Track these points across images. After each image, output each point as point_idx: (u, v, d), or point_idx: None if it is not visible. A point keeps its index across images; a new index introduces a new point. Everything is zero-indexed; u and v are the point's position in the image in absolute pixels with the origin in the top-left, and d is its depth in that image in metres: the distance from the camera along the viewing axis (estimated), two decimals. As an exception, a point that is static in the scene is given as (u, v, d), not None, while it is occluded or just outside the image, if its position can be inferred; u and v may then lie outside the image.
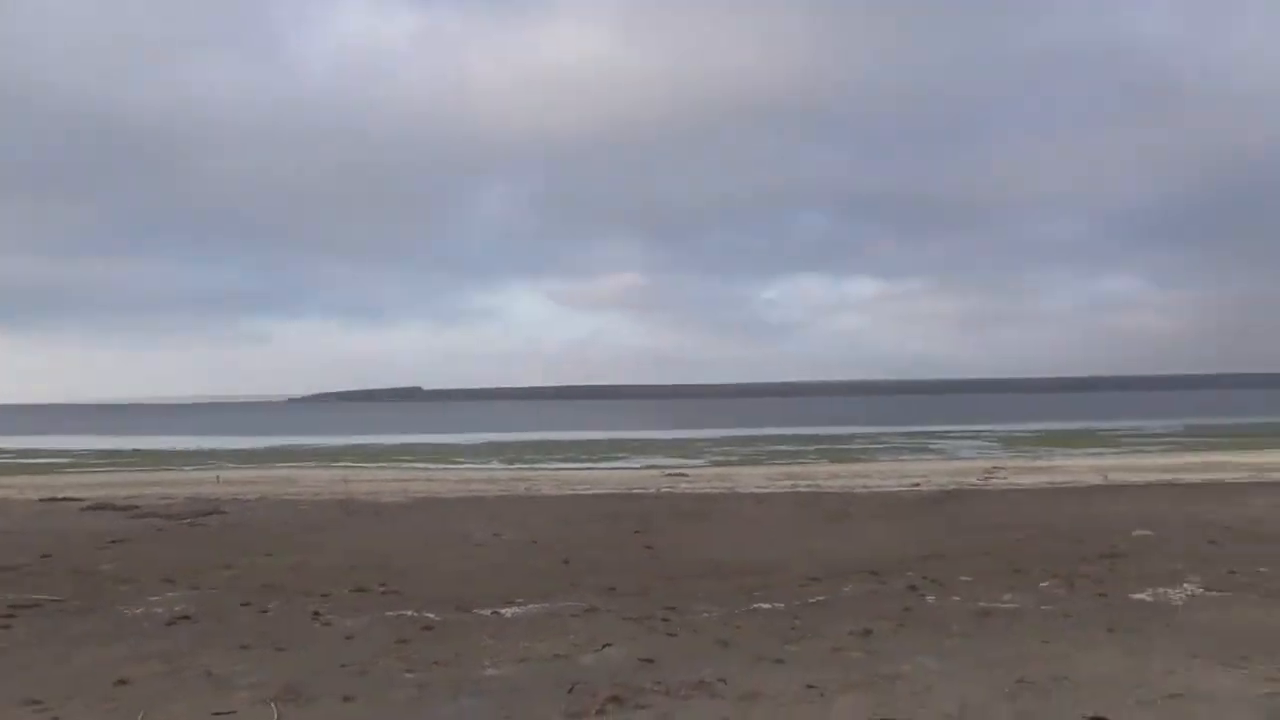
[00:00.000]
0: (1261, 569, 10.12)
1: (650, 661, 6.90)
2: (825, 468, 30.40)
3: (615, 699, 5.96)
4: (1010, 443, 47.38)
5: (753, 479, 25.04)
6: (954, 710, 5.66)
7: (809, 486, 22.13)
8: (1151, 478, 22.51)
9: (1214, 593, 9.04)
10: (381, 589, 10.00)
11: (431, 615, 8.63)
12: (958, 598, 9.06)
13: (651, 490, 21.89)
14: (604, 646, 7.37)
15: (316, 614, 8.76)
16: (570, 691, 6.13)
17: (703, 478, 26.52)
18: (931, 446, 46.44)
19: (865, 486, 21.73)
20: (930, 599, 9.07)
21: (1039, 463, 30.59)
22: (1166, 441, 45.77)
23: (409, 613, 8.77)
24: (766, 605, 8.93)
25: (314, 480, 26.77)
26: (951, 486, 21.10)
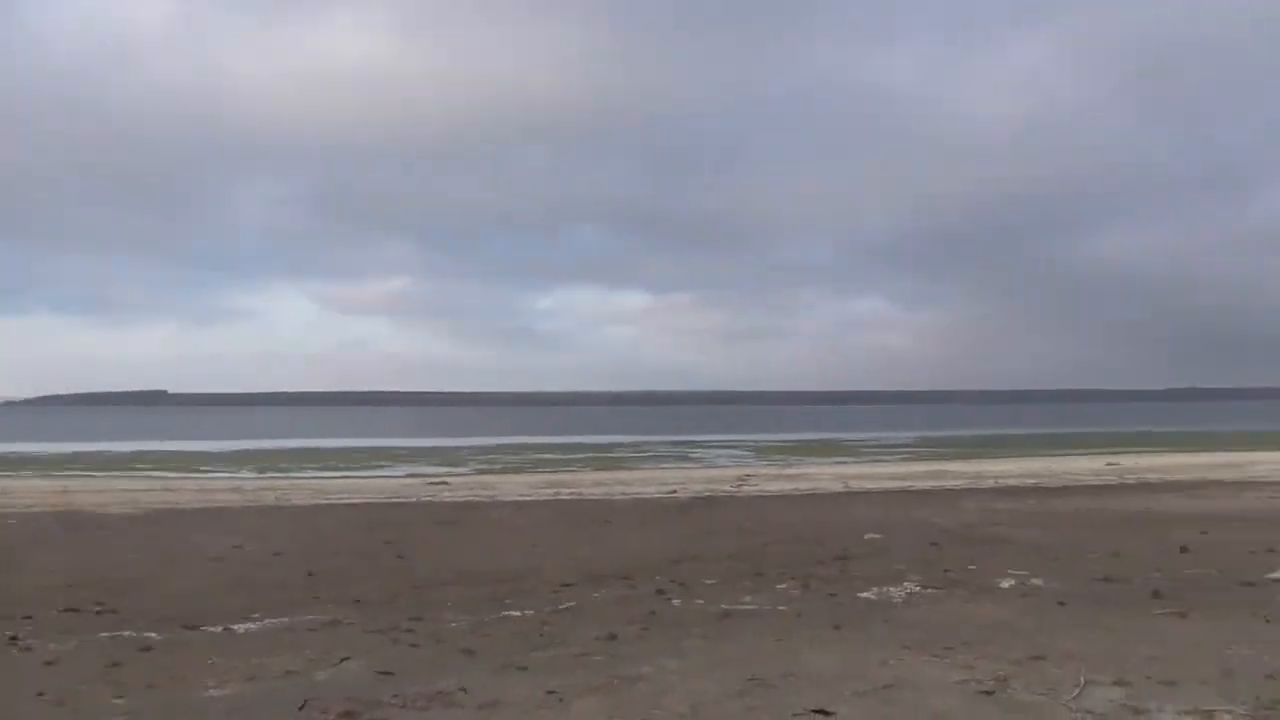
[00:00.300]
0: (971, 567, 11.11)
1: (390, 674, 6.69)
2: (589, 475, 30.77)
3: (348, 714, 5.72)
4: (763, 452, 49.80)
5: (516, 487, 24.97)
6: (687, 709, 5.83)
7: (572, 494, 22.32)
8: (886, 485, 24.27)
9: (930, 590, 9.83)
10: (97, 608, 9.15)
11: (153, 635, 7.98)
12: (701, 600, 9.38)
13: (411, 499, 21.36)
14: (342, 660, 7.08)
15: (14, 639, 7.88)
16: (300, 709, 5.83)
17: (465, 486, 26.16)
18: (691, 455, 48.07)
19: (626, 494, 22.17)
20: (676, 602, 9.34)
21: (788, 471, 32.30)
22: (901, 452, 49.59)
23: (126, 633, 8.08)
24: (517, 612, 8.89)
25: (28, 491, 24.22)
26: (706, 493, 21.89)
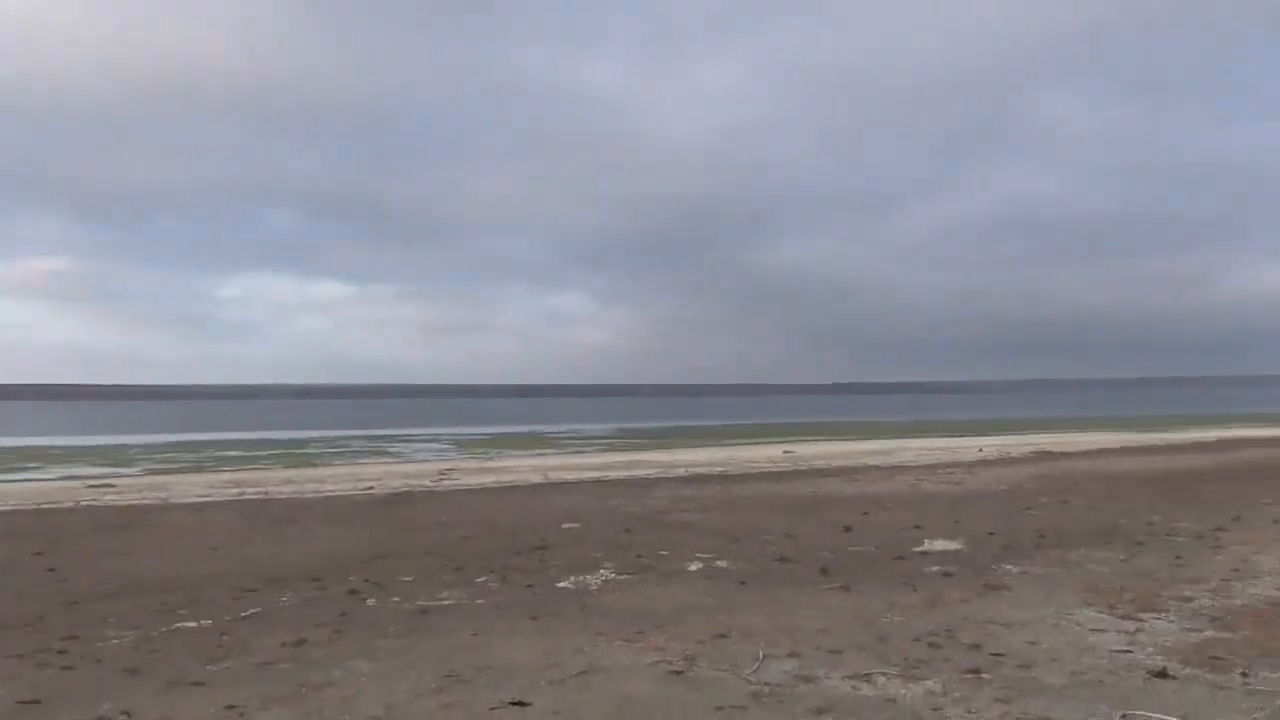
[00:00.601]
0: (662, 552, 11.59)
1: (36, 702, 5.92)
2: (278, 473, 29.01)
3: (-21, 753, 4.99)
4: (465, 445, 49.39)
5: (193, 487, 23.04)
6: (380, 711, 5.63)
7: (257, 493, 20.92)
8: (584, 475, 24.84)
9: (623, 576, 10.15)
10: None
11: None
12: (398, 598, 9.11)
13: (67, 504, 19.09)
14: (-26, 692, 6.17)
15: None
16: (-84, 752, 5.01)
17: (134, 487, 23.77)
18: (390, 450, 46.73)
19: (318, 491, 21.13)
20: (370, 602, 9.00)
21: (489, 464, 32.23)
22: (599, 443, 51.03)
23: None
24: (192, 623, 8.18)
25: None
26: (405, 489, 21.35)
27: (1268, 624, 7.45)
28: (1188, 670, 6.24)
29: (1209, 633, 7.24)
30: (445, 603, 8.89)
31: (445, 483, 23.24)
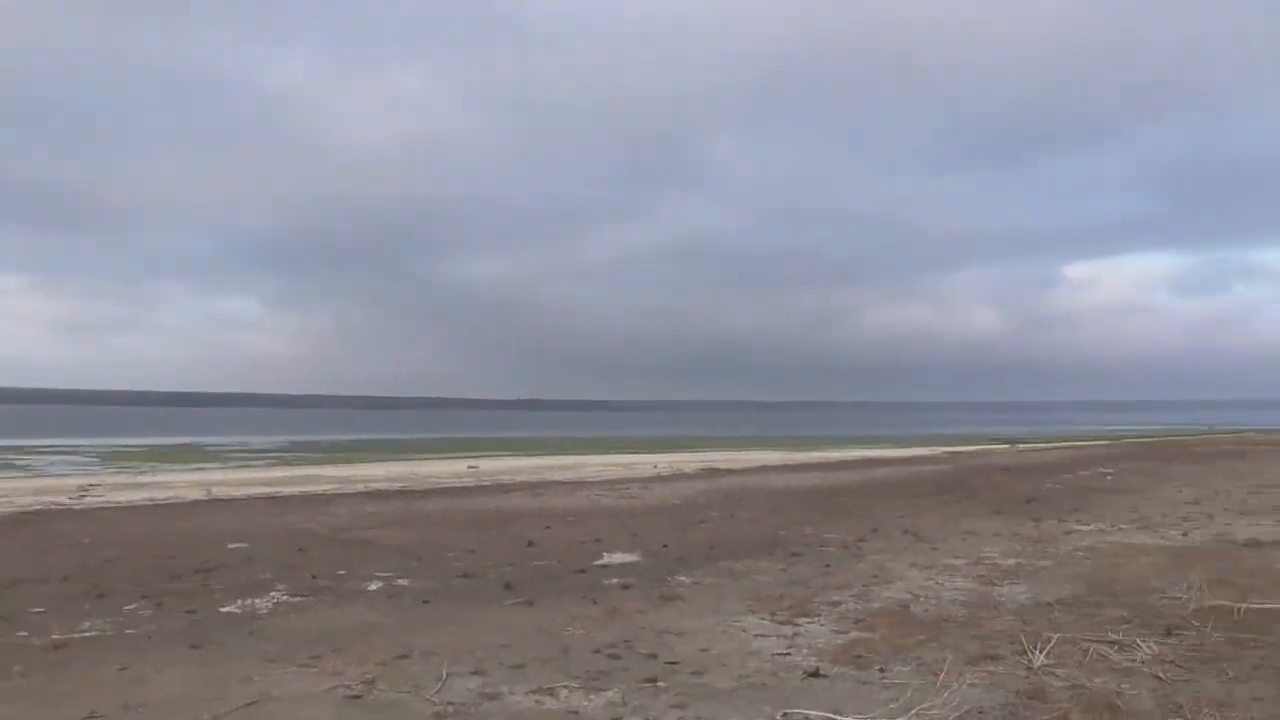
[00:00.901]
0: (340, 572, 11.06)
1: None
2: None
3: None
4: (111, 458, 44.53)
5: None
6: (1, 765, 4.89)
7: None
8: (253, 491, 23.22)
9: (297, 598, 9.57)
10: None
11: None
12: (25, 632, 7.99)
13: None
14: None
15: None
16: None
17: None
18: (16, 463, 41.14)
19: (-77, 510, 18.15)
20: (-10, 637, 7.83)
21: (141, 479, 29.27)
22: (269, 457, 47.98)
23: None
24: None
25: None
26: (36, 507, 18.86)
27: (900, 624, 8.36)
28: (837, 668, 6.86)
29: (853, 634, 8.01)
30: (86, 635, 7.93)
31: (87, 500, 20.81)
